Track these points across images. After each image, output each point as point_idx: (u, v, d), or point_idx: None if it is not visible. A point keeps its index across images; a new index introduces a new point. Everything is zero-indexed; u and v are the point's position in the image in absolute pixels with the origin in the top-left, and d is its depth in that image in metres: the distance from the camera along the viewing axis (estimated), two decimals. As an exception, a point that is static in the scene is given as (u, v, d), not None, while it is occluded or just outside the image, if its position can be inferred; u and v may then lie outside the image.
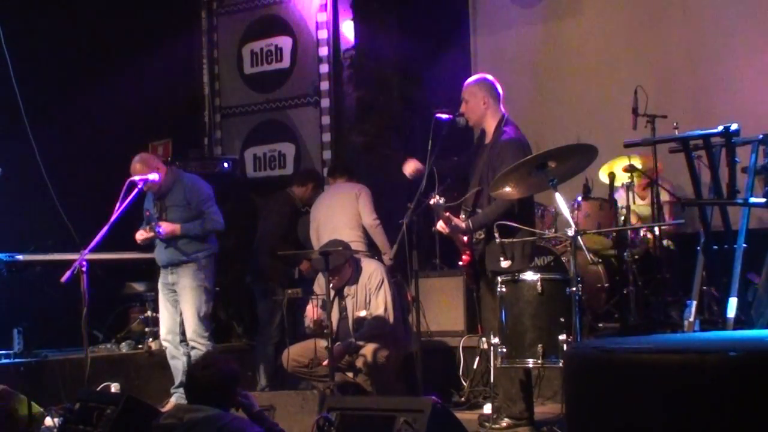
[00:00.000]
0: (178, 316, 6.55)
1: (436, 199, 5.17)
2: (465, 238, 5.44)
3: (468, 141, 8.02)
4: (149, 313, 7.54)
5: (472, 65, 8.92)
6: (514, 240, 5.13)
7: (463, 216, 5.42)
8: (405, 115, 8.92)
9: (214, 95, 9.52)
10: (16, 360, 6.65)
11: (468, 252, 5.47)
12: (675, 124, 6.62)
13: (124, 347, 7.36)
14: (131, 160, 6.41)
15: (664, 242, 7.15)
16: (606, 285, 7.15)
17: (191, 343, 6.48)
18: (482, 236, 5.42)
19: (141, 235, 6.47)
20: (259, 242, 7.77)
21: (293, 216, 7.72)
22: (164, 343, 6.67)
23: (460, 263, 5.56)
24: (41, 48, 7.87)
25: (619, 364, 2.77)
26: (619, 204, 7.31)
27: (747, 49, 7.81)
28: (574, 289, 4.75)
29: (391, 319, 6.31)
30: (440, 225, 5.38)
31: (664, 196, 7.24)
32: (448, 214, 5.28)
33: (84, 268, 5.84)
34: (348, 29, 8.77)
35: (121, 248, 6.52)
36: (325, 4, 8.79)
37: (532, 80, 8.68)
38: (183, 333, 6.53)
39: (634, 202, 7.37)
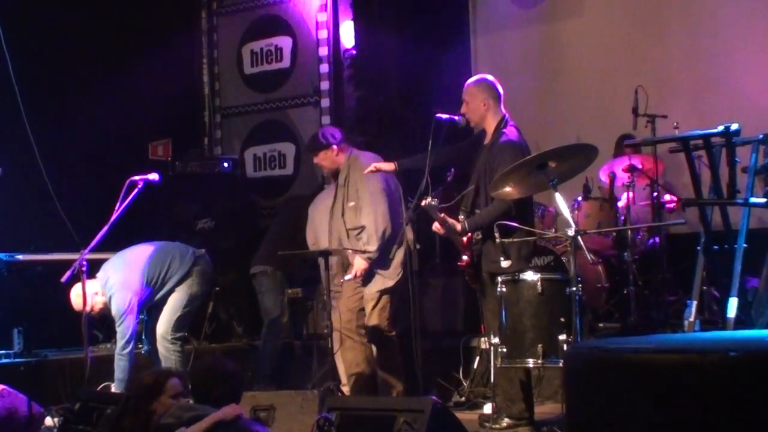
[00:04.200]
0: (174, 316, 6.48)
1: (428, 201, 5.18)
2: (464, 239, 5.44)
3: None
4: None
5: (472, 65, 8.92)
6: (513, 240, 5.13)
7: (462, 216, 5.43)
8: (405, 115, 8.92)
9: (214, 95, 9.53)
10: (16, 360, 6.65)
11: (467, 253, 5.47)
12: (675, 124, 6.63)
13: (124, 347, 7.34)
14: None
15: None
16: (606, 285, 7.16)
17: (158, 340, 6.36)
18: (480, 237, 5.43)
19: None
20: (273, 234, 7.73)
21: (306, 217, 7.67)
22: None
23: (459, 264, 5.57)
24: (41, 48, 7.87)
25: (619, 364, 2.77)
26: (619, 204, 7.32)
27: (747, 49, 7.81)
28: (574, 289, 4.75)
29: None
30: (436, 226, 5.40)
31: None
32: (443, 215, 5.28)
33: (84, 268, 5.84)
34: (348, 29, 8.77)
35: (121, 248, 6.50)
36: (325, 4, 8.79)
37: (532, 80, 8.67)
38: (174, 332, 6.43)
39: (634, 203, 7.37)
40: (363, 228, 6.21)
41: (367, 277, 6.18)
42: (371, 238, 6.14)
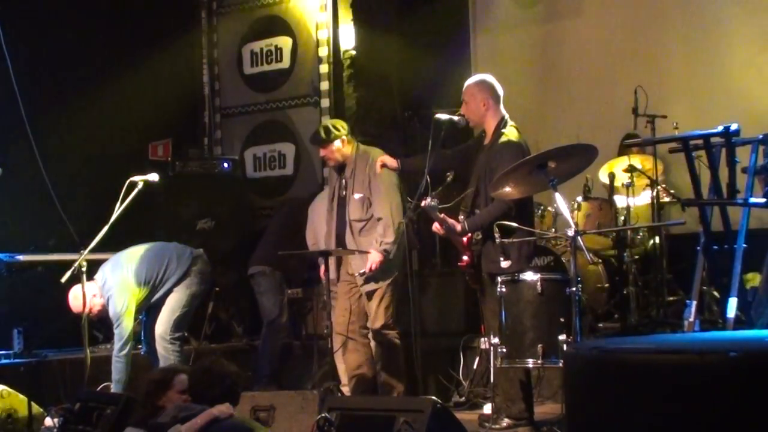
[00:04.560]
0: (173, 316, 6.46)
1: (427, 201, 5.18)
2: (464, 239, 5.44)
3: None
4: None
5: (472, 65, 8.91)
6: (513, 240, 5.13)
7: (462, 217, 5.43)
8: (405, 115, 8.92)
9: (214, 95, 9.52)
10: (16, 360, 6.65)
11: (468, 253, 5.47)
12: (675, 124, 6.63)
13: (124, 347, 7.34)
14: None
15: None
16: (606, 285, 7.16)
17: (157, 340, 6.36)
18: (480, 237, 5.43)
19: None
20: (271, 234, 7.72)
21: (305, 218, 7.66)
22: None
23: (460, 264, 5.57)
24: (41, 48, 7.87)
25: (619, 364, 2.76)
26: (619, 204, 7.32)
27: (746, 50, 7.81)
28: (574, 289, 4.75)
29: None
30: (435, 226, 5.40)
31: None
32: (443, 215, 5.28)
33: (84, 268, 5.85)
34: (348, 29, 8.77)
35: (121, 249, 6.50)
36: (326, 4, 8.80)
37: (532, 80, 8.67)
38: (173, 332, 6.39)
39: (634, 203, 7.37)
40: (369, 220, 6.21)
41: (373, 274, 6.16)
42: (388, 230, 6.12)
